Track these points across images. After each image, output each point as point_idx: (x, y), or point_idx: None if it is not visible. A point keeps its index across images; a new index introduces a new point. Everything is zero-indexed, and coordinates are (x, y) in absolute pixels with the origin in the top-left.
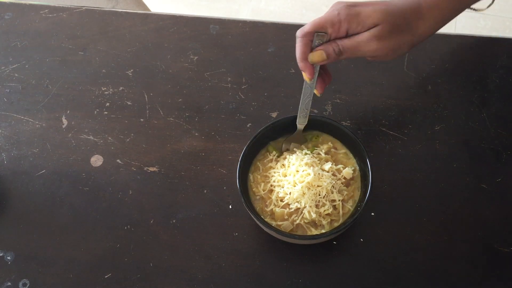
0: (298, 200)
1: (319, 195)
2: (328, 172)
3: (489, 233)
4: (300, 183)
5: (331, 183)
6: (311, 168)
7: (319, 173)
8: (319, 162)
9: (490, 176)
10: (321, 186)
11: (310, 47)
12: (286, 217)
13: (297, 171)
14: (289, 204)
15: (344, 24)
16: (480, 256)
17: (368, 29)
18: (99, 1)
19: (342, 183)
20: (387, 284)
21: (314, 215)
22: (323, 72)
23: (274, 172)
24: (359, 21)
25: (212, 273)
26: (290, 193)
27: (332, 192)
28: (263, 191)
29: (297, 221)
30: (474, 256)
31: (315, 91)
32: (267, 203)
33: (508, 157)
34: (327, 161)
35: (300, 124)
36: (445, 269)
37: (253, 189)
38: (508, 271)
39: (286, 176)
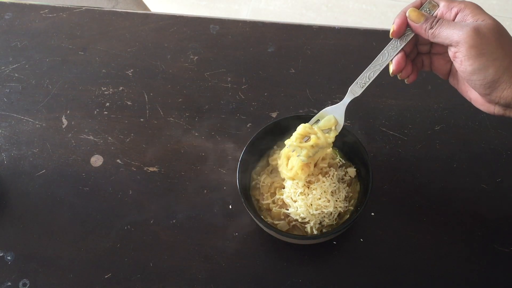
0: (303, 218)
1: (327, 215)
2: (343, 181)
3: (489, 233)
4: (316, 211)
5: (344, 205)
6: (333, 197)
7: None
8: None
9: (490, 176)
10: (335, 210)
11: (417, 8)
12: (282, 217)
13: (319, 198)
14: (288, 208)
15: (459, 6)
16: (480, 256)
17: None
18: (99, 1)
19: (347, 185)
20: (387, 284)
21: (316, 232)
22: (411, 67)
23: (291, 187)
24: (472, 12)
25: (212, 273)
26: (297, 208)
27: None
28: (265, 182)
29: (294, 222)
30: (474, 256)
31: (390, 65)
32: (264, 197)
33: (508, 157)
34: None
35: (351, 93)
36: (445, 269)
37: (255, 179)
38: (508, 271)
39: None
